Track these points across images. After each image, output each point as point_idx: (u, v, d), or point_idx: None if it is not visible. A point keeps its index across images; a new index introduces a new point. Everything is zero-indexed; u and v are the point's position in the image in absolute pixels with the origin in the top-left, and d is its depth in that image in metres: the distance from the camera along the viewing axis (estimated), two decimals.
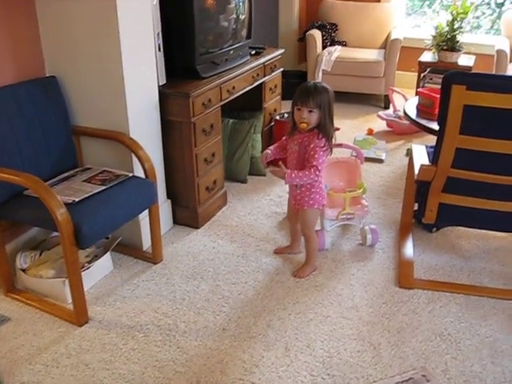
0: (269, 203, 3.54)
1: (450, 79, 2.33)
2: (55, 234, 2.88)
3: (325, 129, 2.59)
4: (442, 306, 2.61)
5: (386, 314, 2.57)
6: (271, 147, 2.84)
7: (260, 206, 3.55)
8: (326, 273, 2.87)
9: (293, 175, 2.59)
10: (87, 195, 2.51)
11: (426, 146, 2.97)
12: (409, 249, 3.04)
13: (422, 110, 3.64)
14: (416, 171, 2.65)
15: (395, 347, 2.36)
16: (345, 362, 2.29)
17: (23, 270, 2.74)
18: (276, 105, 4.21)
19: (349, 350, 2.35)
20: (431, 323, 2.50)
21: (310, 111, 2.55)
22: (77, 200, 2.45)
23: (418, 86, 5.29)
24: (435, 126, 2.66)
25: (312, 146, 2.59)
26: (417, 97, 3.85)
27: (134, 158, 2.80)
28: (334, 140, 2.65)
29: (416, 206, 2.99)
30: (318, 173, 2.59)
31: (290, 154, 2.73)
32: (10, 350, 2.38)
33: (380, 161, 4.24)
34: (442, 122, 2.43)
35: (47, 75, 2.86)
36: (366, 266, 2.92)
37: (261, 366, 2.27)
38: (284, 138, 2.79)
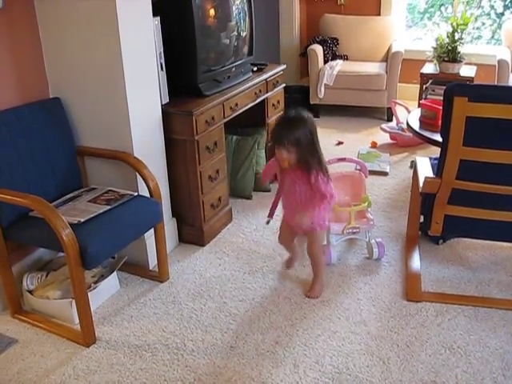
0: (274, 219, 3.50)
1: (451, 91, 2.33)
2: (61, 254, 2.89)
3: (307, 164, 2.47)
4: (451, 319, 2.60)
5: (394, 327, 2.55)
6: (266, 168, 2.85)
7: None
8: (333, 288, 2.86)
9: (319, 220, 2.62)
10: (92, 215, 2.51)
11: (430, 158, 2.97)
12: (416, 261, 3.03)
13: (425, 121, 3.64)
14: (421, 184, 2.65)
15: (405, 361, 2.35)
16: (354, 377, 2.27)
17: (30, 292, 2.74)
18: None
19: (358, 366, 2.33)
20: (440, 336, 2.49)
21: (288, 151, 2.45)
22: (82, 220, 2.46)
23: (420, 98, 5.31)
24: (438, 138, 2.67)
25: (312, 182, 2.51)
26: (419, 109, 3.85)
27: (139, 177, 2.81)
28: (326, 168, 2.55)
29: (422, 219, 2.98)
30: (332, 199, 2.57)
31: (288, 191, 2.65)
32: (17, 372, 2.38)
33: (384, 173, 4.24)
34: (445, 133, 2.43)
35: (51, 97, 2.88)
36: (373, 280, 2.91)
37: (269, 383, 2.25)
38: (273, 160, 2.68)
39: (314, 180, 2.48)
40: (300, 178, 2.53)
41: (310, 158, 2.47)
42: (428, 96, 5.24)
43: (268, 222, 2.92)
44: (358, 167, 3.33)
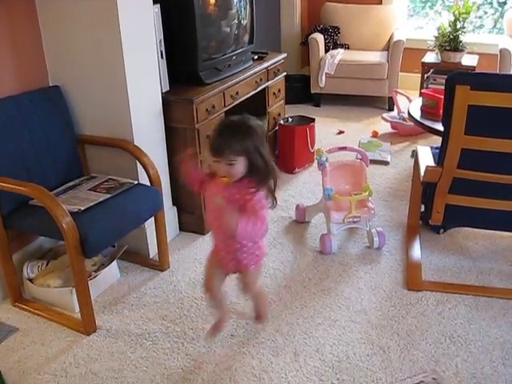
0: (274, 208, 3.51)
1: (453, 79, 2.32)
2: (62, 242, 2.88)
3: (260, 177, 1.97)
4: (451, 308, 2.60)
5: (394, 316, 2.55)
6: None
7: None
8: (333, 276, 2.86)
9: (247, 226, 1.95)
10: (93, 204, 2.50)
11: (431, 147, 2.96)
12: (416, 251, 3.03)
13: (426, 111, 3.62)
14: (422, 173, 2.64)
15: (405, 350, 2.35)
16: (354, 366, 2.27)
17: (30, 280, 2.74)
18: (280, 109, 4.21)
19: (358, 354, 2.34)
20: (441, 325, 2.49)
21: (231, 163, 1.92)
22: (82, 209, 2.45)
23: (421, 87, 5.28)
24: (440, 127, 2.66)
25: (249, 205, 1.97)
26: (421, 98, 3.83)
27: (139, 166, 2.80)
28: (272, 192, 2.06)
29: (423, 208, 2.98)
30: (265, 227, 2.04)
31: (213, 210, 2.09)
32: (18, 360, 2.38)
33: (385, 163, 4.23)
34: (446, 122, 2.42)
35: (50, 85, 2.87)
36: (374, 269, 2.91)
37: (270, 371, 2.26)
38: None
39: (253, 201, 1.96)
40: (233, 196, 1.99)
41: (262, 169, 1.96)
42: (429, 85, 5.21)
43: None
44: (359, 156, 3.32)
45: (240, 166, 1.92)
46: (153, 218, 2.81)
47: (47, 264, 2.81)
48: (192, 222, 3.26)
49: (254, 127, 1.96)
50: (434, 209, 2.68)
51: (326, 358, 2.32)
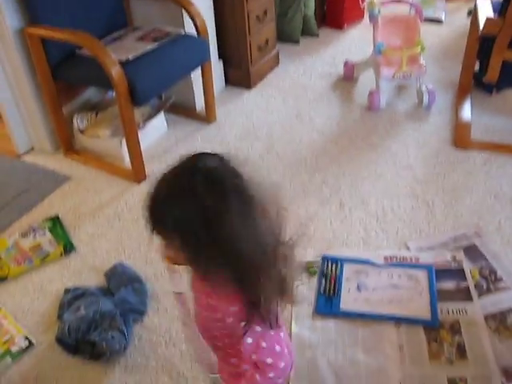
0: (322, 64, 3.43)
1: None
2: (110, 95, 2.91)
3: (241, 277, 1.02)
4: (499, 167, 2.57)
5: (440, 173, 2.55)
6: None
7: (313, 66, 3.45)
8: (380, 133, 2.83)
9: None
10: (140, 53, 2.47)
11: (492, 0, 2.79)
12: (466, 110, 2.95)
13: None
14: (480, 25, 2.51)
15: (449, 205, 2.36)
16: (398, 218, 2.31)
17: (81, 131, 2.79)
18: None
19: (402, 207, 2.36)
20: (486, 184, 2.47)
21: (166, 243, 1.08)
22: (130, 57, 2.43)
23: None
24: None
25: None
26: None
27: (185, 16, 2.72)
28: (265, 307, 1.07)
29: (477, 66, 2.87)
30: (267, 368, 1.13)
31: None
32: (73, 205, 2.49)
33: (439, 21, 4.03)
34: None
35: None
36: (422, 127, 2.87)
37: (316, 220, 2.32)
38: None
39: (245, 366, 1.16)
40: (198, 295, 1.16)
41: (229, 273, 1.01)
42: None
43: None
44: (413, 10, 3.16)
45: (175, 245, 1.03)
46: (200, 72, 2.78)
47: (96, 115, 2.85)
48: (238, 76, 3.22)
49: (225, 177, 0.98)
50: (489, 66, 2.58)
51: (371, 210, 2.36)
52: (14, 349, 1.89)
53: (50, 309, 2.02)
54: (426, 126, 2.88)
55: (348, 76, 3.29)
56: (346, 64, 3.29)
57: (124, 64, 2.34)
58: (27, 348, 1.89)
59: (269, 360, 1.12)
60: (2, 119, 2.82)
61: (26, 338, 1.92)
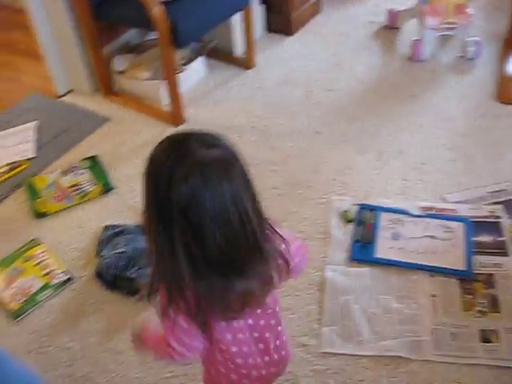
0: (365, 12, 3.34)
1: None
2: (150, 37, 2.89)
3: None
4: None
5: (482, 127, 2.50)
6: None
7: (355, 15, 3.36)
8: (422, 84, 2.77)
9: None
10: None
11: None
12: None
13: None
14: None
15: (489, 159, 2.32)
16: (437, 169, 2.29)
17: (120, 73, 2.80)
18: None
19: (442, 159, 2.34)
20: None
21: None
22: None
23: None
24: None
25: None
26: None
27: None
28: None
29: None
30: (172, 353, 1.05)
31: None
32: (112, 146, 2.53)
33: None
34: None
35: None
36: (465, 80, 2.79)
37: (353, 168, 2.31)
38: None
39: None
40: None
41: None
42: None
43: None
44: None
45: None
46: (240, 16, 2.75)
47: (136, 57, 2.85)
48: (279, 22, 3.16)
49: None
50: None
51: (410, 160, 2.33)
52: (54, 282, 1.95)
53: (89, 245, 2.08)
54: (469, 78, 2.80)
55: (391, 25, 3.21)
56: (389, 12, 3.20)
57: (166, 4, 2.32)
58: (67, 282, 1.95)
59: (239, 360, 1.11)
60: (42, 60, 2.84)
61: (66, 272, 1.98)
